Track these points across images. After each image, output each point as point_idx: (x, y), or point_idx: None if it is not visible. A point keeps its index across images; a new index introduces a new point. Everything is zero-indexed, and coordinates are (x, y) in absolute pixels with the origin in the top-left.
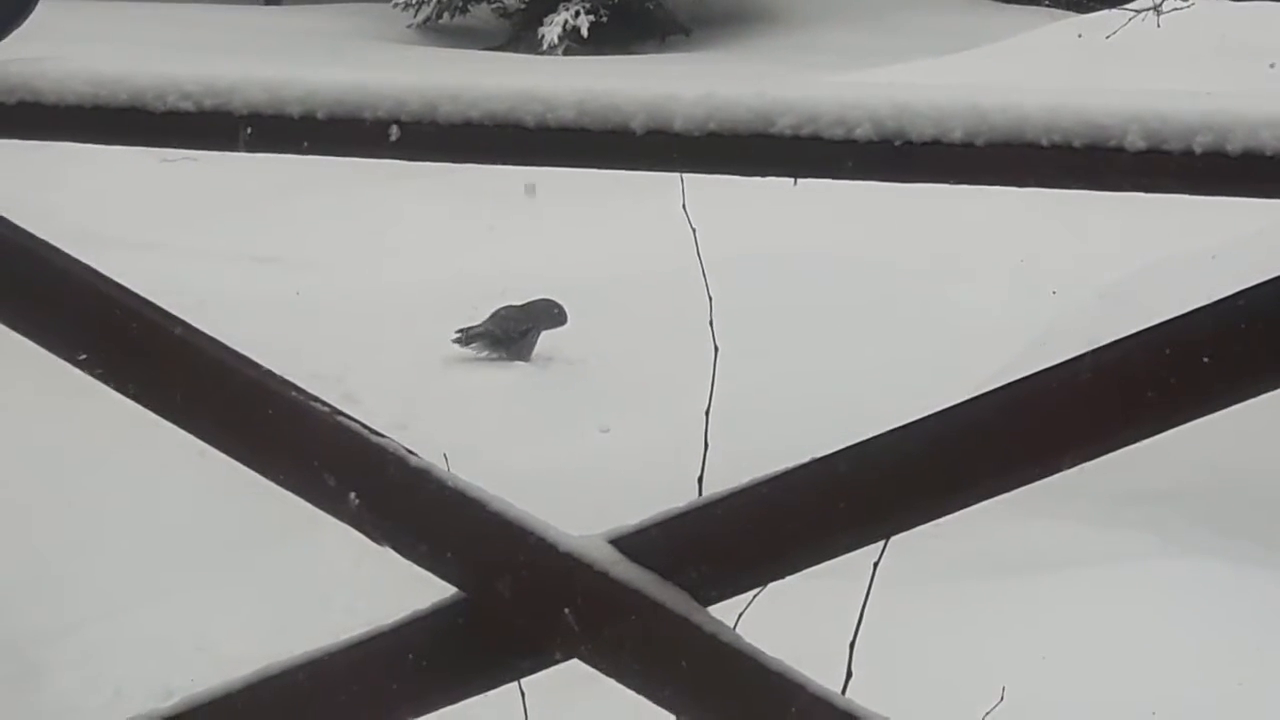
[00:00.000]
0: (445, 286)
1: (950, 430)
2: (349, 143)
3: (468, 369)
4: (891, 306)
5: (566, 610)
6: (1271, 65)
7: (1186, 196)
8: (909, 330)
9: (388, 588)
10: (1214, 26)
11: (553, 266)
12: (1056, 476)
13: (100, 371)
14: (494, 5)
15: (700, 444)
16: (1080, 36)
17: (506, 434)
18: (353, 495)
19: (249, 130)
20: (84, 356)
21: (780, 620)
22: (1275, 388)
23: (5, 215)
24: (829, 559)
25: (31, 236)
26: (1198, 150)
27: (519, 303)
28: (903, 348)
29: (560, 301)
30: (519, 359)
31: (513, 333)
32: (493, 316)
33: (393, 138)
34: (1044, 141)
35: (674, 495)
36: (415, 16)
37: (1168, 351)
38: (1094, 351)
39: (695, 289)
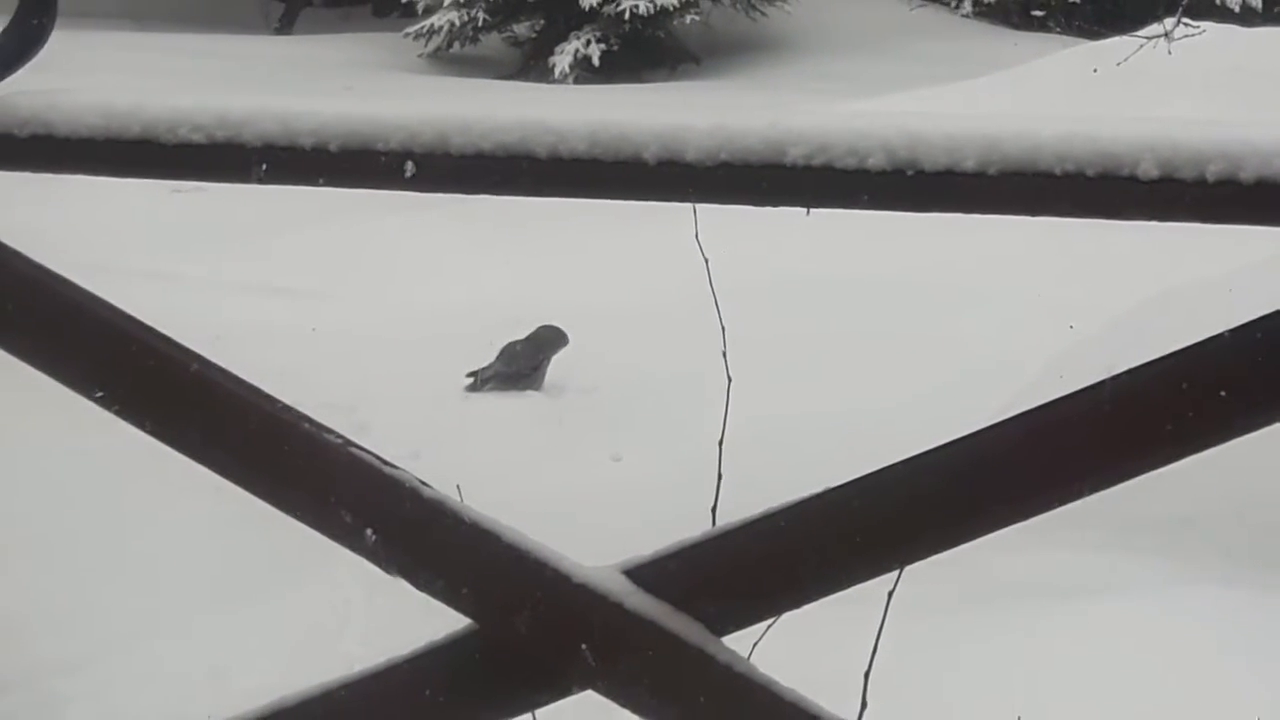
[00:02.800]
0: (457, 316)
1: (967, 458)
2: (363, 176)
3: (480, 398)
4: (904, 335)
5: (584, 645)
6: None
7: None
8: (922, 359)
9: (401, 620)
10: (1225, 53)
11: (566, 295)
12: (1069, 505)
13: (117, 408)
14: (505, 34)
15: (713, 473)
16: (1095, 71)
17: (518, 463)
18: (369, 531)
19: (264, 166)
20: (100, 394)
21: (795, 650)
22: None
23: (18, 248)
24: (844, 589)
25: (45, 270)
26: (1210, 179)
27: (523, 335)
28: (916, 377)
29: (570, 329)
30: (531, 389)
31: (524, 368)
32: (501, 355)
33: (408, 174)
34: (1057, 170)
35: (687, 524)
36: (426, 46)
37: (1184, 385)
38: (1112, 380)
39: (708, 318)
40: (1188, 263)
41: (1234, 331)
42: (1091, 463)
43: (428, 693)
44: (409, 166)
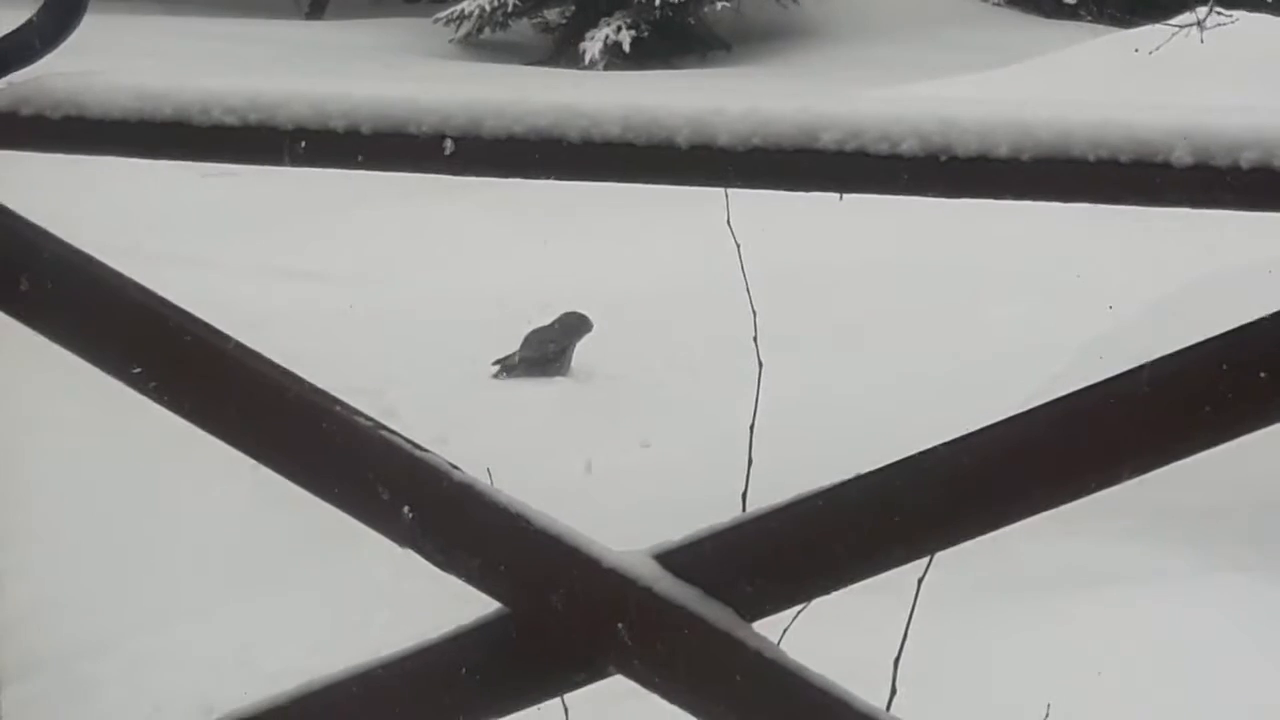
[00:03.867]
0: (485, 302)
1: (1006, 442)
2: (396, 158)
3: (507, 384)
4: (939, 319)
5: (620, 625)
6: None
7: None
8: (958, 342)
9: (428, 604)
10: (1258, 41)
11: (595, 281)
12: (1099, 493)
13: (154, 385)
14: (535, 20)
15: (743, 458)
16: (1137, 51)
17: (547, 448)
18: (406, 509)
19: (302, 144)
20: (137, 370)
21: (825, 637)
22: None
23: (51, 231)
24: (876, 574)
25: (80, 252)
26: (1245, 166)
27: (549, 321)
28: (951, 360)
29: (599, 315)
30: (558, 374)
31: (549, 354)
32: (525, 342)
33: (447, 151)
34: (1090, 157)
35: (717, 510)
36: (457, 31)
37: (1224, 366)
38: (1151, 364)
39: (739, 303)
40: (1228, 247)
41: (1275, 315)
42: (1131, 447)
43: (465, 671)
44: (448, 145)
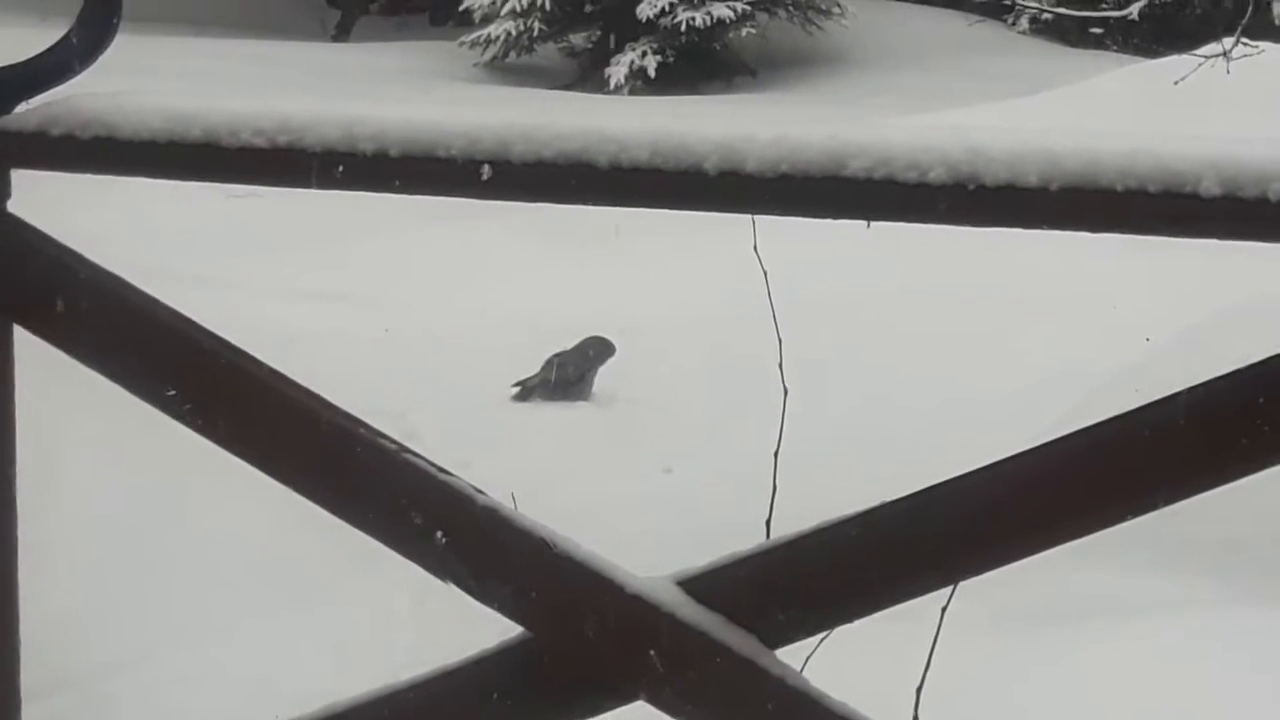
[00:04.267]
0: (508, 326)
1: (1041, 469)
2: (425, 183)
3: (531, 408)
4: (968, 347)
5: (652, 652)
6: None
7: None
8: (986, 371)
9: (448, 630)
10: None
11: (620, 305)
12: (1118, 526)
13: (188, 408)
14: (561, 45)
15: (766, 486)
16: (1177, 84)
17: (568, 473)
18: (439, 534)
19: (340, 169)
20: (172, 393)
21: (847, 665)
22: None
23: (81, 252)
24: (902, 602)
25: (111, 275)
26: (1273, 198)
27: (570, 345)
28: (980, 389)
29: (624, 340)
30: (580, 399)
31: (570, 378)
32: (546, 365)
33: (484, 177)
34: (1119, 187)
35: (739, 537)
36: (483, 55)
37: (1260, 397)
38: (1187, 392)
39: (764, 330)
40: (1260, 276)
41: None
42: (1164, 476)
43: (495, 696)
44: (485, 170)
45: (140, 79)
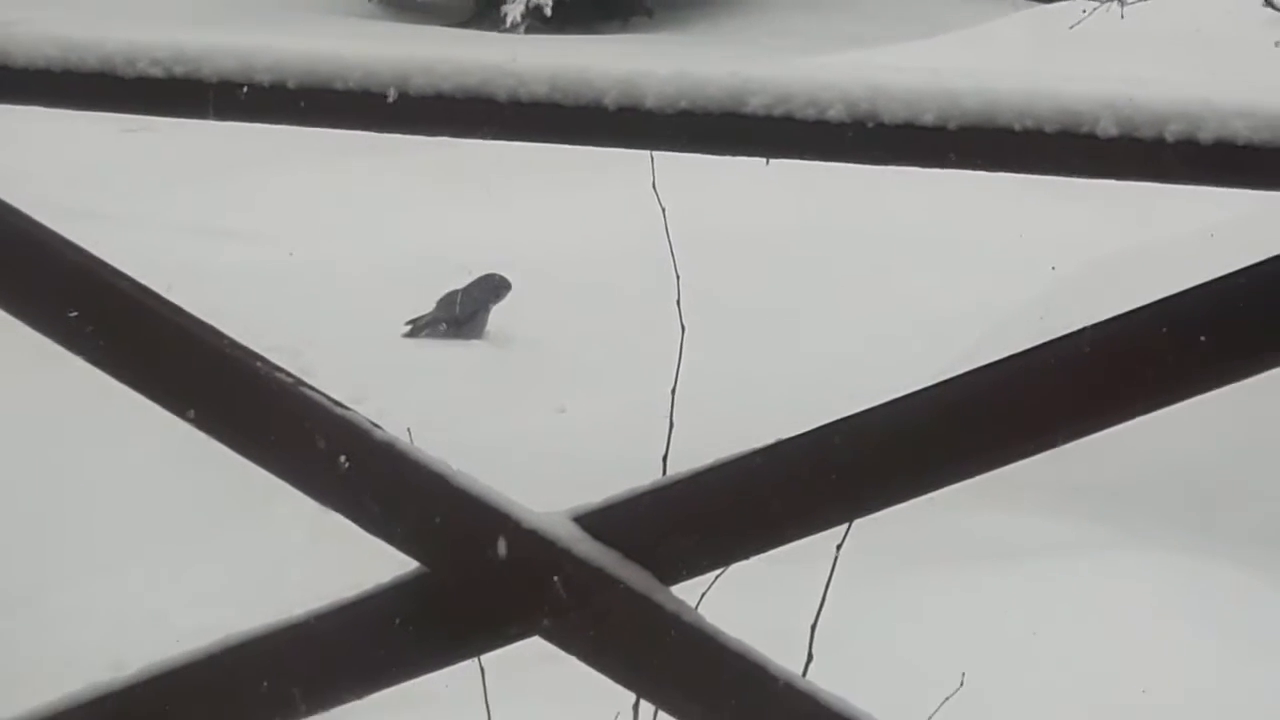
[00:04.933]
0: (406, 263)
1: (947, 403)
2: (321, 114)
3: (425, 346)
4: (869, 286)
5: (556, 579)
6: (1277, 43)
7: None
8: (887, 310)
9: (343, 564)
10: (1178, 16)
11: (519, 244)
12: (1010, 466)
13: (88, 332)
14: None
15: (661, 425)
16: (1072, 28)
17: (462, 411)
18: (343, 459)
19: (240, 96)
20: (75, 314)
21: (742, 606)
22: (1272, 367)
23: None
24: (799, 538)
25: (7, 205)
26: (1169, 139)
27: (462, 284)
28: (881, 327)
29: (521, 279)
30: (474, 337)
31: (461, 316)
32: (439, 304)
33: (390, 99)
34: (1016, 127)
35: (633, 475)
36: None
37: (1165, 330)
38: (1092, 328)
39: (663, 269)
40: (1163, 216)
41: (1217, 280)
42: (1071, 410)
43: (397, 622)
44: (391, 93)
45: (33, 9)
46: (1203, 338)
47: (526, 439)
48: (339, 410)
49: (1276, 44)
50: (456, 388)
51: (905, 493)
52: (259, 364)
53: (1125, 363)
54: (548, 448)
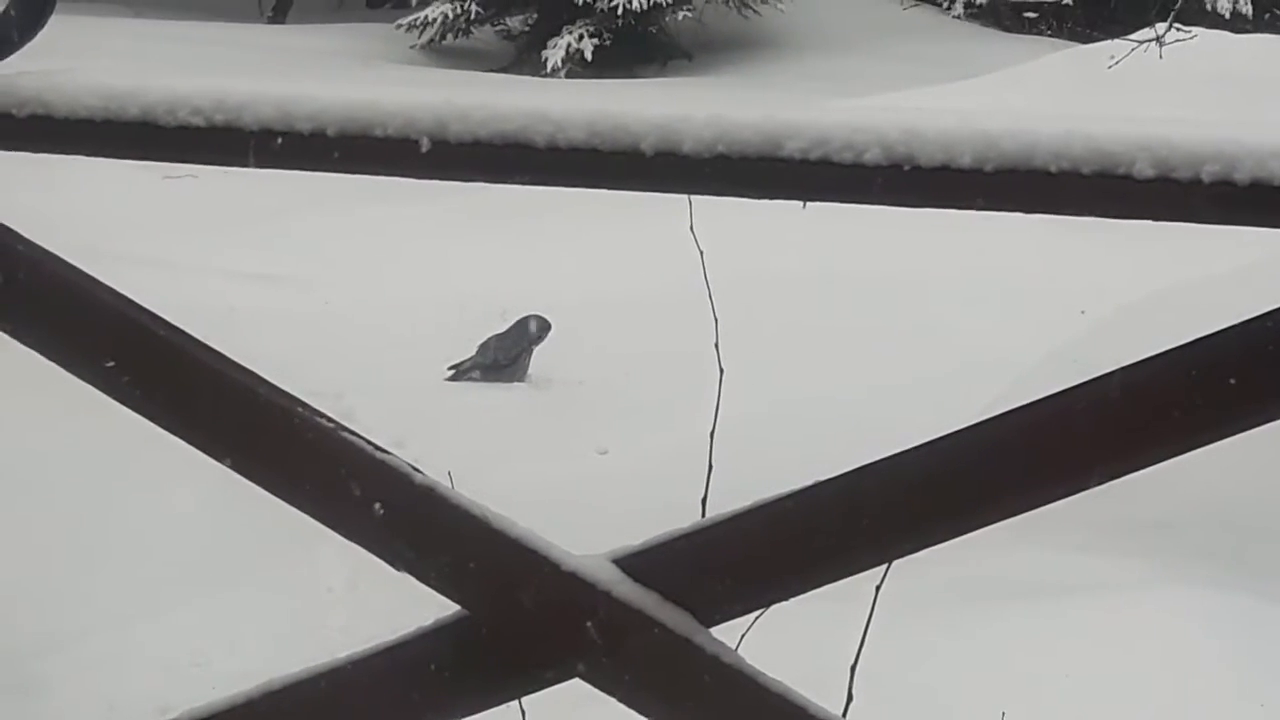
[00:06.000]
0: (446, 306)
1: (977, 446)
2: (361, 162)
3: (466, 389)
4: (903, 330)
5: (589, 624)
6: None
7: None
8: (921, 353)
9: (384, 609)
10: (1213, 59)
11: (557, 287)
12: (1050, 505)
13: (125, 381)
14: (497, 27)
15: (701, 467)
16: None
17: (503, 454)
18: (377, 506)
19: (278, 146)
20: (111, 364)
21: (783, 645)
22: None
23: (19, 230)
24: (837, 580)
25: (48, 253)
26: (1205, 179)
27: (503, 328)
28: (914, 370)
29: (561, 321)
30: (515, 380)
31: (502, 360)
32: (481, 348)
33: (424, 149)
34: (1053, 168)
35: (674, 517)
36: (419, 37)
37: (1194, 373)
38: (1121, 371)
39: (701, 311)
40: (1196, 257)
41: (1245, 323)
42: (1100, 453)
43: (433, 668)
44: (424, 143)
45: (76, 60)
46: (1231, 380)
47: (568, 482)
48: (379, 455)
49: None
50: (498, 431)
51: (938, 535)
52: (299, 409)
53: (1154, 406)
54: (589, 489)
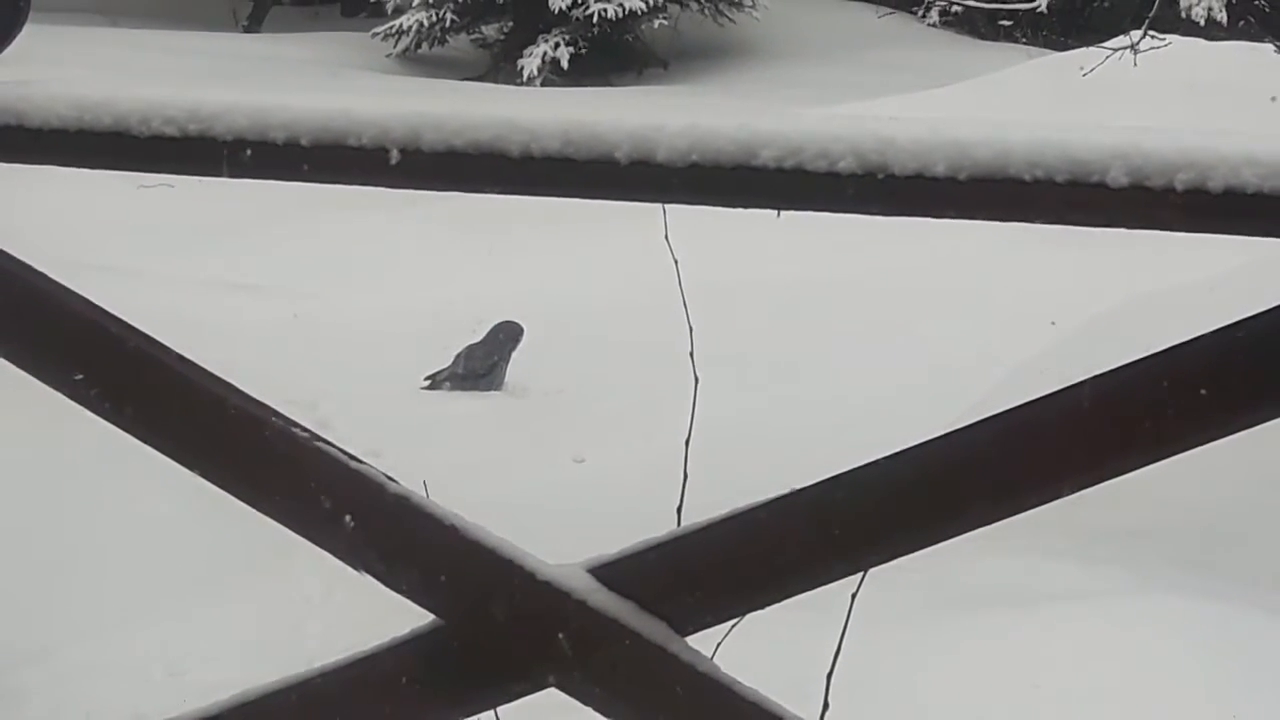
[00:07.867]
0: (421, 315)
1: (947, 456)
2: (335, 171)
3: (442, 398)
4: (875, 338)
5: (561, 635)
6: (1273, 99)
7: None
8: (894, 362)
9: (359, 617)
10: (1184, 66)
11: (532, 296)
12: (1027, 513)
13: (95, 392)
14: (473, 36)
15: (676, 475)
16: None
17: (479, 462)
18: (348, 519)
19: (250, 156)
20: (80, 378)
21: (758, 654)
22: (1271, 418)
23: None
24: (811, 588)
25: (20, 262)
26: (1179, 187)
27: (478, 337)
28: (885, 378)
29: (536, 331)
30: (492, 389)
31: (479, 369)
32: (456, 359)
33: (393, 161)
34: (1027, 177)
35: (650, 526)
36: (395, 46)
37: (1165, 383)
38: (1092, 380)
39: (676, 319)
40: (1168, 265)
41: (1216, 333)
42: (1072, 462)
43: (404, 681)
44: (394, 154)
45: (49, 69)
46: (1202, 390)
47: (545, 490)
48: (353, 465)
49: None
50: (474, 439)
51: (910, 545)
52: (272, 419)
53: (1126, 415)
54: (566, 498)
